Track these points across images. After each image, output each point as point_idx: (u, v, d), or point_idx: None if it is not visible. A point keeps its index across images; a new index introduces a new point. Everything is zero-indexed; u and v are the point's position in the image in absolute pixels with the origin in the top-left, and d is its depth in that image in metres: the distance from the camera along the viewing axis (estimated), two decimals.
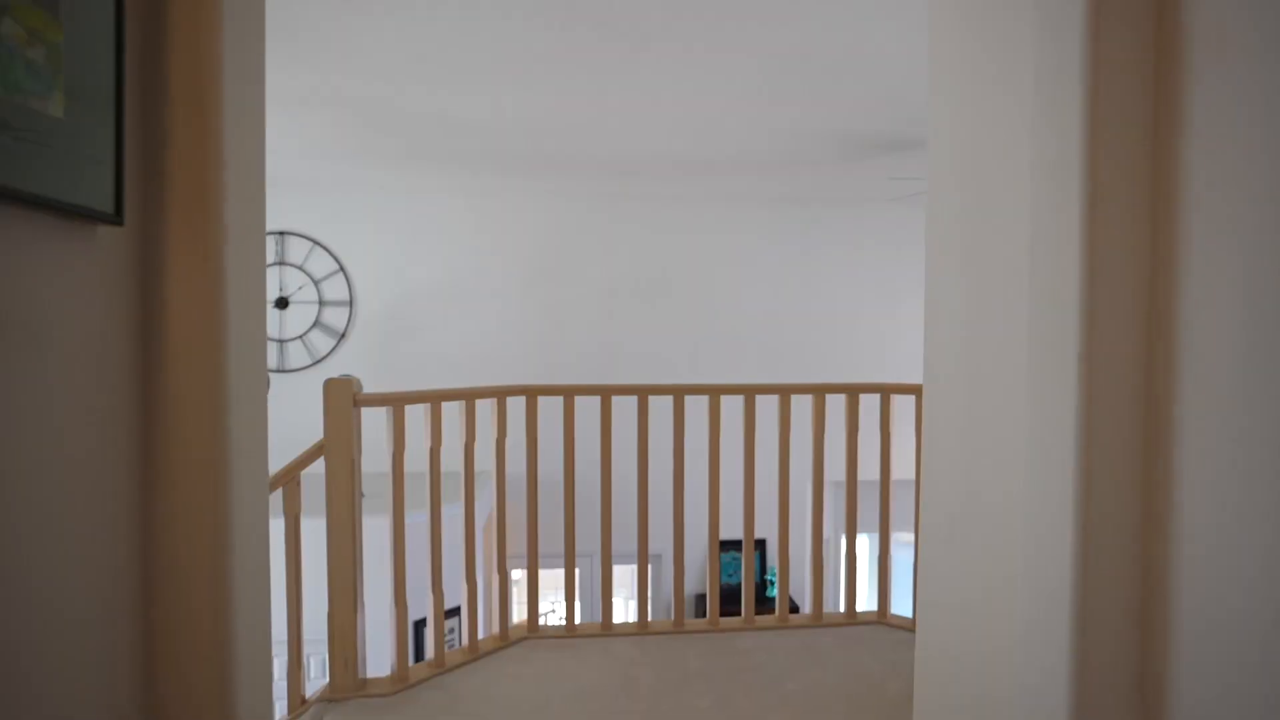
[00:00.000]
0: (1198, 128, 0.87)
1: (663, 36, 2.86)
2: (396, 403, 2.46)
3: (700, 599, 6.03)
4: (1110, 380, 0.92)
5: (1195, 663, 0.90)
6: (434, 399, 2.55)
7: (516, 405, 2.93)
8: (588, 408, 3.12)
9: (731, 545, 6.11)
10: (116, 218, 0.78)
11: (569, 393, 2.86)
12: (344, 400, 2.34)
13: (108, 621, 0.82)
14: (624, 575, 7.65)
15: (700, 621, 3.01)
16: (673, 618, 2.97)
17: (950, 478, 1.36)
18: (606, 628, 2.92)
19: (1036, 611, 1.05)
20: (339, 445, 2.33)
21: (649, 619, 3.01)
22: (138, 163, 0.82)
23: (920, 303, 5.29)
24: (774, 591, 6.15)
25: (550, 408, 3.08)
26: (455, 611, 4.66)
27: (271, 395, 4.29)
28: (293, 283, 5.95)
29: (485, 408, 2.78)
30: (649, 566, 4.91)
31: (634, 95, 3.54)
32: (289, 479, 2.32)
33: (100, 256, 0.79)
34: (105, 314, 0.79)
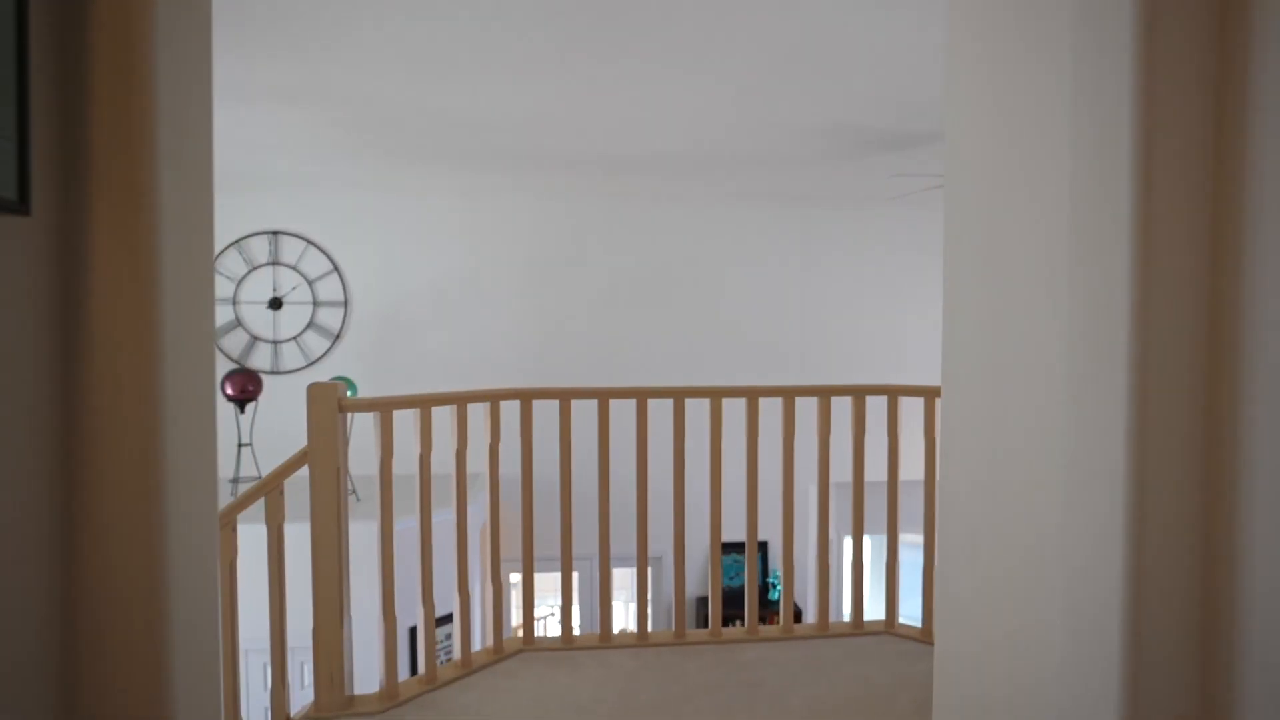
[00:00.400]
0: (1268, 104, 0.77)
1: (662, 28, 2.75)
2: (384, 408, 2.35)
3: (702, 601, 5.92)
4: (1165, 383, 0.81)
5: (1267, 701, 0.79)
6: (424, 404, 2.44)
7: (512, 409, 2.82)
8: (587, 411, 3.01)
9: (732, 547, 6.00)
10: (21, 206, 0.67)
11: (565, 396, 2.76)
12: (328, 405, 2.23)
13: (24, 651, 0.72)
14: (625, 577, 7.54)
15: (702, 632, 2.90)
16: (673, 625, 2.86)
17: (971, 487, 1.25)
18: (605, 639, 2.82)
19: (1079, 638, 0.94)
20: (324, 452, 2.23)
21: (649, 629, 2.91)
22: (50, 143, 0.72)
23: (924, 302, 5.21)
24: (775, 594, 6.05)
25: (547, 411, 2.97)
26: (441, 620, 4.55)
27: (264, 397, 4.16)
28: (286, 283, 5.85)
29: (479, 411, 2.67)
30: (649, 573, 4.80)
31: (632, 89, 3.43)
32: (272, 487, 2.22)
33: (1, 251, 0.68)
34: (8, 316, 0.69)
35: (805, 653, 2.79)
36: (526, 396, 2.73)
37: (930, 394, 2.86)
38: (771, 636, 2.88)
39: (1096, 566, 0.89)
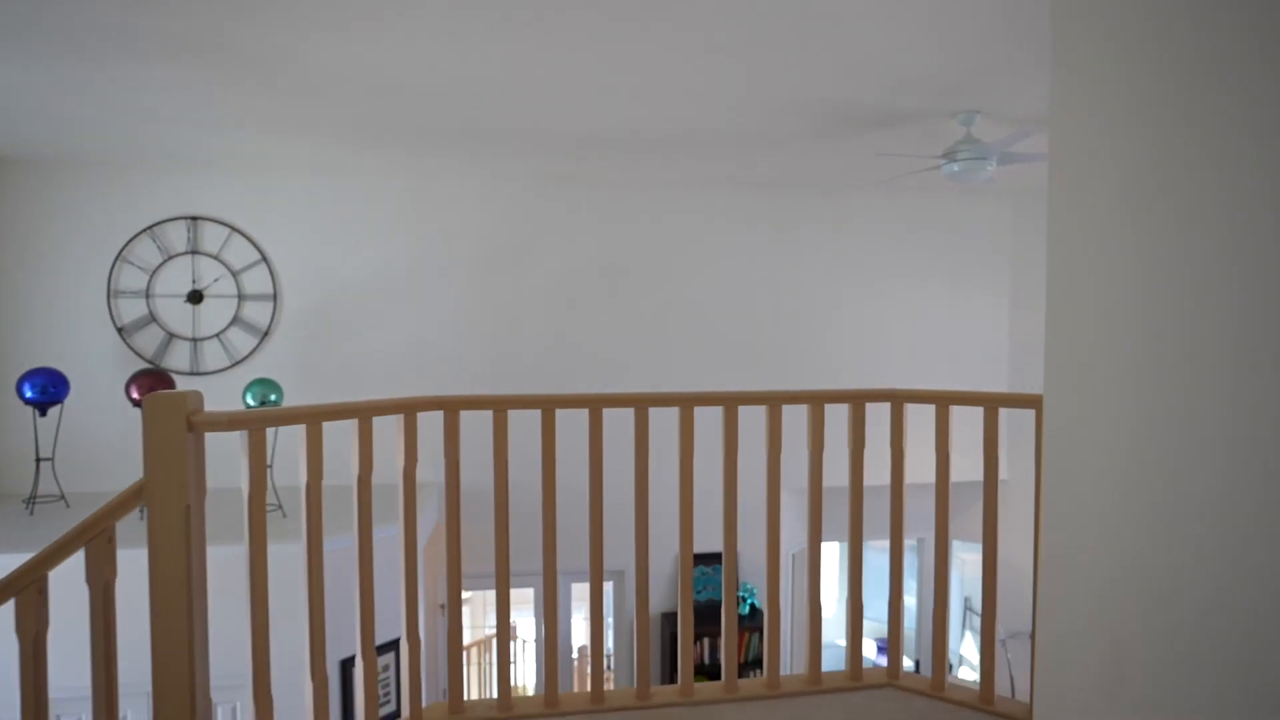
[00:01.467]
0: None
1: None
2: (252, 424, 1.80)
3: (669, 618, 5.36)
4: None
5: None
6: (311, 418, 1.89)
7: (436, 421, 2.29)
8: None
9: (700, 559, 5.50)
10: None
11: (500, 406, 2.23)
12: (171, 423, 1.66)
13: None
14: (585, 591, 7.02)
15: (670, 689, 2.39)
16: (634, 656, 2.36)
17: (1109, 558, 0.76)
18: (551, 704, 2.29)
19: None
20: (166, 485, 1.66)
21: (608, 678, 2.40)
22: None
23: (915, 294, 4.62)
24: (746, 608, 5.56)
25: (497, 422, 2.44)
26: (383, 648, 3.95)
27: None
28: (208, 274, 5.22)
29: (392, 425, 2.14)
30: (606, 606, 4.24)
31: (588, 50, 2.90)
32: (95, 533, 1.64)
33: None
34: None
35: (795, 714, 2.30)
36: (451, 407, 2.19)
37: (943, 400, 2.39)
38: (754, 694, 2.38)
39: None
